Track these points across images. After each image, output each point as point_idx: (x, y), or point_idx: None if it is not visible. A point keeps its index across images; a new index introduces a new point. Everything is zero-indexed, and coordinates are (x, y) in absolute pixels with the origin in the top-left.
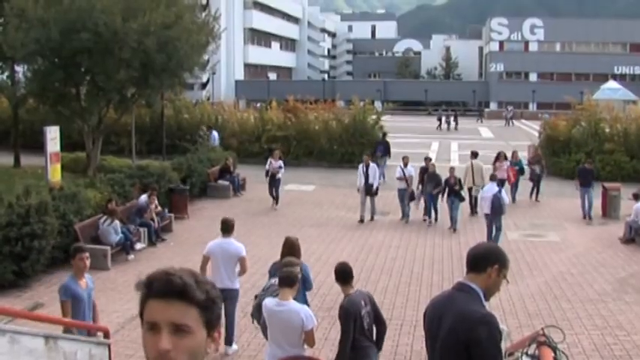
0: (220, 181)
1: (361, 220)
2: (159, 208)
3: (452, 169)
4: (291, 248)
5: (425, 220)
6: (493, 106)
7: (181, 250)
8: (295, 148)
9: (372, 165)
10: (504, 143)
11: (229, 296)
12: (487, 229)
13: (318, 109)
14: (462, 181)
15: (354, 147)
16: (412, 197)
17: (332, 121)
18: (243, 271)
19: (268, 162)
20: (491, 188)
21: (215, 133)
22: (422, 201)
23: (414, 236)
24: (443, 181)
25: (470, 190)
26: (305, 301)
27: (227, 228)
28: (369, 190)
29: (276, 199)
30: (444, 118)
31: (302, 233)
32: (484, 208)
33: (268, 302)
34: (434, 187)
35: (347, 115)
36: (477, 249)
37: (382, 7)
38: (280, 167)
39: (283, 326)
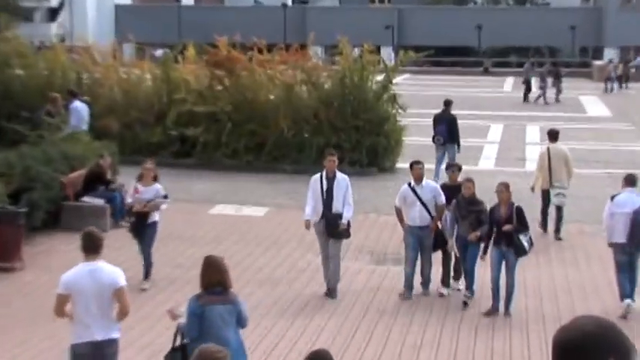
0: (87, 199)
1: (328, 292)
2: None
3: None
4: (220, 272)
5: (445, 293)
6: (609, 54)
7: None
8: (230, 136)
9: (340, 176)
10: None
11: (107, 353)
12: (618, 275)
13: (275, 63)
14: (535, 180)
15: (342, 135)
16: (439, 243)
17: (300, 86)
18: (123, 312)
19: (133, 188)
20: (630, 199)
21: (79, 106)
22: (452, 251)
23: (447, 338)
24: (488, 213)
25: (545, 195)
26: (238, 339)
27: (93, 245)
28: (332, 226)
29: (146, 270)
30: (534, 80)
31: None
32: (614, 233)
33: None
34: (472, 227)
35: (329, 75)
36: (575, 332)
37: None
38: (159, 199)
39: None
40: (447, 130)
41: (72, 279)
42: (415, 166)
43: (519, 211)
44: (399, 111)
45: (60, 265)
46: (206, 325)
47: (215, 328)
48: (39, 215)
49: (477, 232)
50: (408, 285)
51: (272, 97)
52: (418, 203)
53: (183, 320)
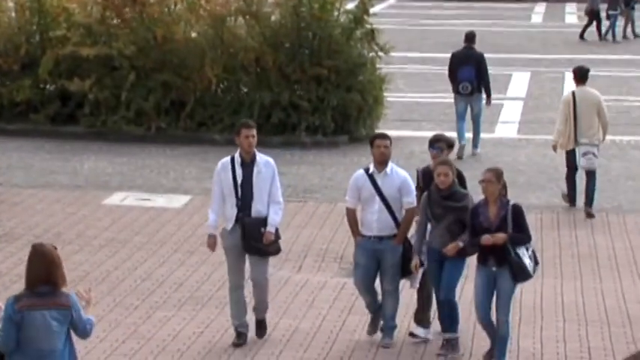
0: None
1: (238, 338)
2: None
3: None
4: (47, 266)
5: (421, 335)
6: None
7: None
8: (134, 91)
9: (262, 160)
10: None
11: None
12: None
13: None
14: (557, 135)
15: (297, 90)
16: (408, 266)
17: (236, 19)
18: None
19: None
20: None
21: None
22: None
23: None
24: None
25: (571, 156)
26: (72, 351)
27: None
28: (252, 238)
29: None
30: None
31: None
32: None
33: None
34: (450, 234)
35: (277, 3)
36: None
37: None
38: None
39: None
40: (475, 73)
41: None
42: (378, 141)
43: (517, 213)
44: (379, 54)
45: None
46: (25, 334)
47: (38, 339)
48: None
49: (457, 241)
50: (375, 319)
51: (194, 34)
52: (377, 200)
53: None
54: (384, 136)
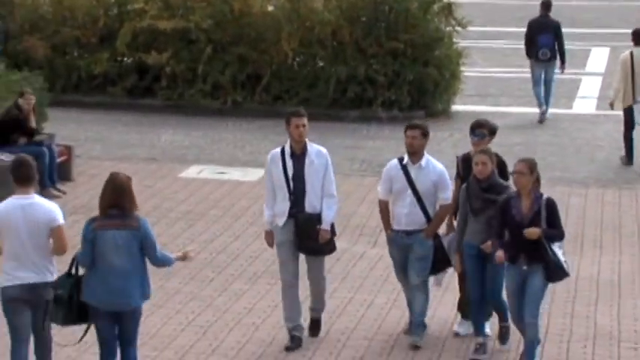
0: (1, 156)
1: (292, 341)
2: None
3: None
4: (117, 192)
5: (461, 333)
6: None
7: None
8: (210, 65)
9: (314, 151)
10: None
11: (42, 296)
12: None
13: None
14: (614, 93)
15: (374, 64)
16: (440, 261)
17: None
18: (60, 250)
19: None
20: None
21: None
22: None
23: None
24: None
25: (628, 114)
26: (140, 270)
27: (25, 175)
28: (306, 235)
29: None
30: None
31: None
32: None
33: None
34: (489, 229)
35: None
36: None
37: None
38: None
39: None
40: (552, 40)
41: (2, 214)
42: (408, 131)
43: (551, 207)
44: (456, 28)
45: None
46: (99, 251)
47: (108, 256)
48: None
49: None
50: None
51: (271, 8)
52: (409, 193)
53: None
54: (414, 126)
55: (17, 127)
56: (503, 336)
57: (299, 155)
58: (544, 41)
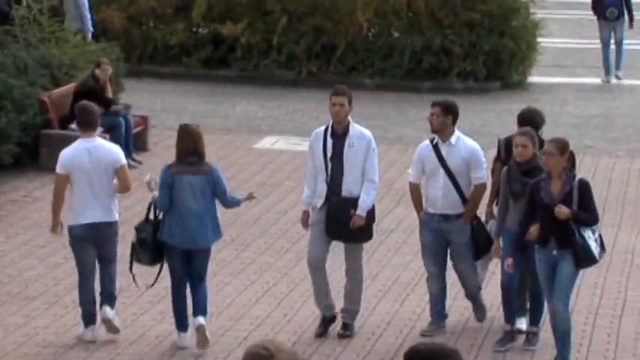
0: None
1: (324, 323)
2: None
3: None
4: (192, 140)
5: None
6: None
7: None
8: (285, 35)
9: (356, 133)
10: None
11: (108, 235)
12: None
13: None
14: None
15: (449, 35)
16: (482, 245)
17: None
18: (125, 187)
19: None
20: None
21: None
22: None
23: None
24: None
25: None
26: (212, 212)
27: (89, 120)
28: (339, 220)
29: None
30: None
31: None
32: None
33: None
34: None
35: None
36: None
37: None
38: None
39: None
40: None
41: (70, 157)
42: (432, 109)
43: (583, 189)
44: None
45: (41, 221)
46: (175, 195)
47: (184, 199)
48: (8, 149)
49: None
50: (437, 311)
51: None
52: (442, 173)
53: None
54: (435, 103)
55: (94, 97)
56: (529, 340)
57: (339, 136)
58: (611, 0)
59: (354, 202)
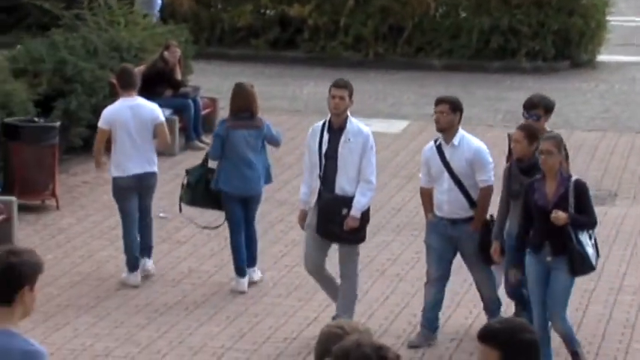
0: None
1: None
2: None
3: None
4: (246, 97)
5: None
6: None
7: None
8: (353, 17)
9: (353, 129)
10: None
11: (149, 184)
12: None
13: None
14: None
15: (517, 15)
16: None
17: None
18: (163, 143)
19: None
20: None
21: None
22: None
23: None
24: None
25: None
26: (264, 162)
27: (130, 81)
28: (328, 219)
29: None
30: None
31: None
32: None
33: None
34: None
35: None
36: None
37: None
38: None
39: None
40: None
41: (113, 114)
42: (437, 107)
43: (580, 190)
44: None
45: (111, 203)
46: (229, 147)
47: (238, 151)
48: (79, 131)
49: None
50: (427, 319)
51: None
52: (446, 176)
53: None
54: (441, 100)
55: (163, 79)
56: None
57: (336, 130)
58: None
59: (347, 200)
